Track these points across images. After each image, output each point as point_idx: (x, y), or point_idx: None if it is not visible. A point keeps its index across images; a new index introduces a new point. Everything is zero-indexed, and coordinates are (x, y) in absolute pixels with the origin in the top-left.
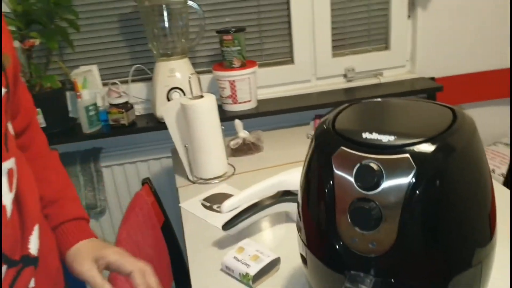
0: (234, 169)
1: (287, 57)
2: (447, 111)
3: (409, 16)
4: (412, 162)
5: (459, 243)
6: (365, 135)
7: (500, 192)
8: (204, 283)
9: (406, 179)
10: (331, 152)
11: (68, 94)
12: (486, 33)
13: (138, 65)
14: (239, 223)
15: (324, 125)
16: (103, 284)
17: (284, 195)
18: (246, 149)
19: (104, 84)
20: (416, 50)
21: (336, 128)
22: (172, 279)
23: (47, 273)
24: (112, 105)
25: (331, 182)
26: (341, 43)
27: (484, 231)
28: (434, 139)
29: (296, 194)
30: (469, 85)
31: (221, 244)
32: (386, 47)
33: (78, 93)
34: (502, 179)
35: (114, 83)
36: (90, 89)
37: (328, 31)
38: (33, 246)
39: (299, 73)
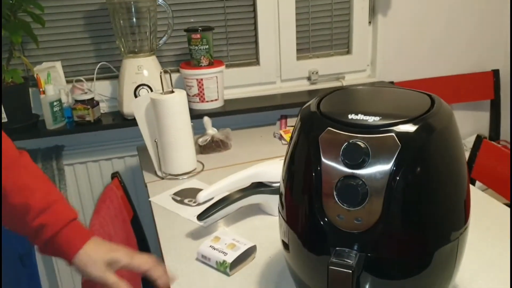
0: (203, 165)
1: (253, 59)
2: (425, 97)
3: (370, 22)
4: (397, 140)
5: (439, 220)
6: (351, 116)
7: None
8: (179, 273)
9: (391, 157)
10: (318, 133)
11: (31, 90)
12: (443, 39)
13: (103, 63)
14: (214, 213)
15: (309, 109)
16: (123, 284)
17: (258, 187)
18: (214, 146)
19: (68, 82)
20: (377, 55)
21: (321, 111)
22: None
23: None
24: (77, 101)
25: (318, 162)
26: (305, 47)
27: (461, 209)
28: (416, 120)
29: (270, 186)
30: (426, 90)
31: (195, 235)
32: (348, 52)
33: (41, 89)
34: None
35: (79, 80)
36: (54, 85)
37: (293, 34)
38: None
39: (265, 75)
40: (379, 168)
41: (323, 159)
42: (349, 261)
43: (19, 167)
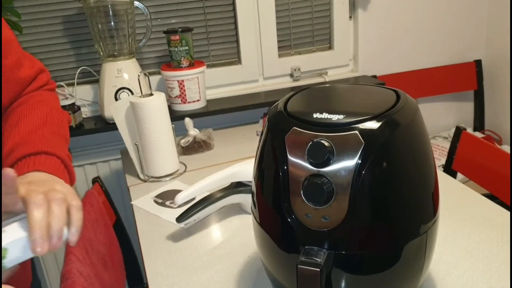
0: (186, 166)
1: (234, 58)
2: (391, 93)
3: (350, 17)
4: (361, 138)
5: (407, 214)
6: (316, 115)
7: (443, 179)
8: (159, 276)
9: (355, 154)
10: (284, 133)
11: None
12: (424, 32)
13: (84, 67)
14: (193, 214)
15: (276, 109)
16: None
17: (237, 187)
18: (196, 147)
19: None
20: (358, 49)
21: (288, 111)
22: (125, 276)
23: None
24: None
25: (285, 161)
26: (287, 44)
27: (428, 203)
28: (380, 117)
29: (248, 185)
30: (409, 82)
31: (175, 237)
32: (330, 47)
33: None
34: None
35: (60, 86)
36: None
37: (274, 32)
38: None
39: (247, 73)
40: (344, 166)
41: (289, 159)
42: (317, 259)
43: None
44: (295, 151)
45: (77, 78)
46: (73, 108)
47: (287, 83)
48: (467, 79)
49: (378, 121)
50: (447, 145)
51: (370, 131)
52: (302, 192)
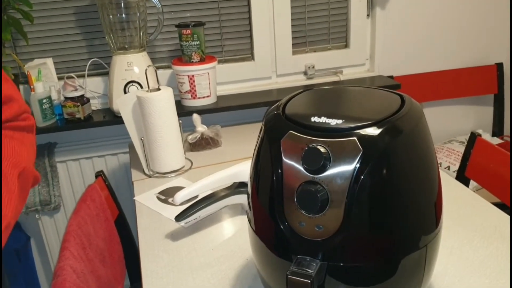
0: (192, 163)
1: (247, 54)
2: (396, 98)
3: (368, 15)
4: (359, 144)
5: (405, 227)
6: (314, 119)
7: (454, 186)
8: (154, 274)
9: (353, 162)
10: (280, 136)
11: (22, 87)
12: (444, 32)
13: (95, 59)
14: (193, 214)
15: (274, 111)
16: None
17: (239, 187)
18: (204, 143)
19: (60, 78)
20: (375, 48)
21: (286, 113)
22: (125, 272)
23: None
24: (67, 98)
25: (279, 166)
26: (301, 41)
27: (430, 216)
28: (380, 123)
29: None
30: (427, 84)
31: (174, 236)
32: (346, 46)
33: (31, 86)
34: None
35: (70, 77)
36: (45, 82)
37: (289, 28)
38: None
39: (260, 70)
40: (340, 173)
41: (284, 164)
42: (309, 270)
43: None
44: (291, 156)
45: (88, 69)
46: (82, 100)
47: (300, 81)
48: (488, 82)
49: (379, 127)
50: (463, 149)
51: (370, 137)
52: (295, 199)
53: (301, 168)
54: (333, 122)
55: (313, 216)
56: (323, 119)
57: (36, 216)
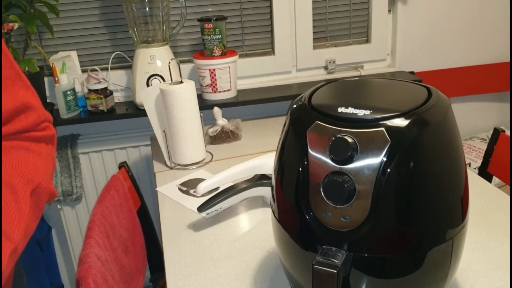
0: (212, 156)
1: (268, 48)
2: (423, 89)
3: (389, 10)
4: (387, 135)
5: (432, 219)
6: (341, 109)
7: (477, 182)
8: (177, 264)
9: (380, 153)
10: (306, 126)
11: (46, 79)
12: (466, 28)
13: (118, 52)
14: (215, 205)
15: (299, 101)
16: None
17: (261, 179)
18: (224, 137)
19: (84, 71)
20: (397, 44)
21: (312, 104)
22: (146, 262)
23: None
24: (90, 90)
25: (305, 156)
26: (322, 35)
27: (456, 209)
28: (408, 114)
29: (271, 178)
30: (448, 80)
31: (196, 226)
32: (367, 41)
33: (56, 78)
34: (476, 172)
35: (94, 70)
36: (69, 74)
37: (310, 23)
38: None
39: (280, 64)
40: (368, 164)
41: (310, 154)
42: (335, 260)
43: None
44: (317, 146)
45: (111, 63)
46: (105, 93)
47: (321, 75)
48: (509, 79)
49: (407, 118)
50: (484, 146)
51: (398, 128)
52: (322, 189)
53: (327, 159)
54: (360, 112)
55: (340, 207)
56: (350, 110)
57: (58, 206)
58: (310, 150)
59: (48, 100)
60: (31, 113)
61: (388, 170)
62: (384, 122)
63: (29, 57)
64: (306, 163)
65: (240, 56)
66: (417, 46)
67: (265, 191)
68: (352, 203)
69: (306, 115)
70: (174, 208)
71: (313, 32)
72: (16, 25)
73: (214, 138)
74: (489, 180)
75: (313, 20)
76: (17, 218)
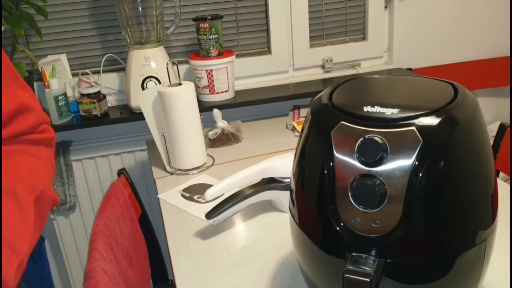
0: (213, 159)
1: (264, 48)
2: (447, 86)
3: (386, 7)
4: (418, 135)
5: (465, 221)
6: (367, 108)
7: None
8: (187, 275)
9: (412, 153)
10: (330, 127)
11: (36, 85)
12: (463, 24)
13: (110, 54)
14: (223, 211)
15: (320, 100)
16: None
17: (269, 183)
18: (225, 139)
19: (74, 75)
20: (393, 41)
21: (334, 103)
22: (149, 272)
23: None
24: (83, 95)
25: (330, 159)
26: (319, 34)
27: (487, 209)
28: (439, 112)
29: (281, 182)
30: (446, 76)
31: (204, 234)
32: (364, 38)
33: (46, 83)
34: None
35: (85, 73)
36: (59, 79)
37: (306, 21)
38: None
39: (276, 64)
40: (399, 166)
41: (336, 156)
42: (366, 268)
43: None
44: (343, 148)
45: (103, 65)
46: (98, 97)
47: (318, 74)
48: (506, 74)
49: (437, 116)
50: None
51: (429, 127)
52: (350, 193)
53: (355, 161)
54: (388, 111)
55: (370, 211)
56: (377, 109)
57: (51, 216)
58: (335, 152)
59: None
60: (30, 114)
61: (421, 171)
62: (414, 121)
63: (16, 61)
64: (331, 165)
65: (236, 56)
66: (414, 42)
67: (274, 195)
68: (383, 207)
69: (329, 115)
70: (178, 215)
71: (309, 30)
72: (2, 28)
73: (214, 141)
74: (497, 175)
75: (309, 18)
76: (22, 229)
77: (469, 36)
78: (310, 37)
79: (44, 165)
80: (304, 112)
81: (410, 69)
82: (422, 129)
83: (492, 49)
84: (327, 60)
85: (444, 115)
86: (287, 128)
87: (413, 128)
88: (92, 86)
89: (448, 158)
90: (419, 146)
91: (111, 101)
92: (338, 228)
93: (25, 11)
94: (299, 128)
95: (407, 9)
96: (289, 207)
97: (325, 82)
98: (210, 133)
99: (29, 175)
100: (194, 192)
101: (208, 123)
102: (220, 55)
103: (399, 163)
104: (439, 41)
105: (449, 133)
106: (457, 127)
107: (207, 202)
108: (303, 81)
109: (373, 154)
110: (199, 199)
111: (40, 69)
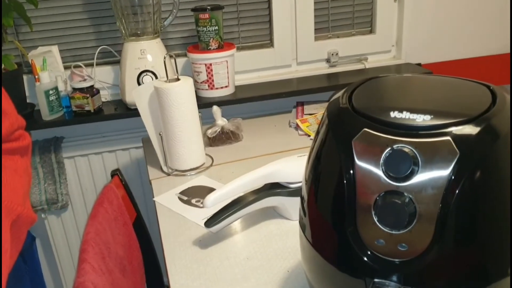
0: (212, 159)
1: (266, 40)
2: (483, 89)
3: None
4: (455, 146)
5: (505, 243)
6: (394, 114)
7: None
8: (185, 285)
9: (447, 167)
10: (351, 135)
11: (25, 78)
12: (475, 18)
13: (104, 46)
14: (224, 219)
15: (338, 103)
16: None
17: (273, 188)
18: (224, 138)
19: (66, 67)
20: (403, 34)
21: (355, 106)
22: (144, 279)
23: None
24: (75, 89)
25: (351, 171)
26: (324, 26)
27: None
28: (477, 120)
29: (286, 187)
30: (457, 72)
31: (203, 242)
32: (371, 31)
33: (36, 76)
34: None
35: (78, 66)
36: (50, 72)
37: (311, 13)
38: None
39: (279, 58)
40: (432, 181)
41: (358, 168)
42: None
43: None
44: (366, 159)
45: (97, 58)
46: (92, 91)
47: (322, 69)
48: None
49: (476, 125)
50: None
51: (468, 138)
52: (374, 212)
53: (381, 174)
54: (419, 117)
55: (396, 233)
56: (406, 114)
57: (42, 215)
58: (357, 163)
59: (28, 101)
60: (4, 119)
61: (457, 188)
62: (449, 129)
63: (5, 53)
64: (352, 179)
65: (236, 49)
66: (424, 36)
67: (279, 201)
68: (411, 228)
69: (349, 120)
70: (175, 220)
71: (315, 22)
72: None
73: (213, 139)
74: None
75: (314, 9)
76: None
77: (484, 30)
78: (315, 29)
79: (21, 180)
80: (308, 109)
81: (419, 64)
82: (459, 139)
83: (507, 44)
84: (332, 54)
85: (484, 123)
86: (290, 126)
87: (449, 138)
88: (85, 79)
89: (487, 173)
90: (456, 159)
91: (105, 95)
92: (358, 251)
93: (14, 0)
94: (302, 126)
95: (418, 1)
96: (299, 218)
97: (330, 77)
98: (209, 131)
99: (5, 193)
100: (192, 195)
101: (206, 119)
102: (220, 48)
103: (432, 179)
104: (451, 35)
105: (490, 144)
106: (498, 138)
107: (202, 207)
108: (307, 76)
109: (402, 168)
110: (197, 203)
111: (30, 62)
